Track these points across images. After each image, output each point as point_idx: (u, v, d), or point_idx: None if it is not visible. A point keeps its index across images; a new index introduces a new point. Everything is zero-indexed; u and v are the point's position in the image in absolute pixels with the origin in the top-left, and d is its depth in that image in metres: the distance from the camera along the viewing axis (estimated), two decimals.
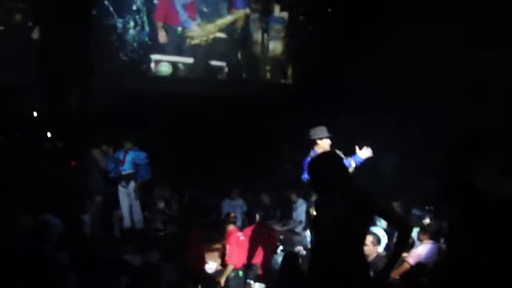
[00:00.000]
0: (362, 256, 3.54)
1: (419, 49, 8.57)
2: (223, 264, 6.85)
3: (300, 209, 8.77)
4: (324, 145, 5.77)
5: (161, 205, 8.75)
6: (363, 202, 3.35)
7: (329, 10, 10.87)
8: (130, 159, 7.96)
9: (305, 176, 5.53)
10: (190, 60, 10.49)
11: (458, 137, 3.39)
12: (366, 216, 3.42)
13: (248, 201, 9.28)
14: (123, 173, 8.02)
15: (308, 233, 7.31)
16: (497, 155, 3.17)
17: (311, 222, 3.48)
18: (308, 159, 5.71)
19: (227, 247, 6.76)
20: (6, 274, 4.25)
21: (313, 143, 5.84)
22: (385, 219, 3.52)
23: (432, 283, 4.91)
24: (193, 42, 10.46)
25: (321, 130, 5.85)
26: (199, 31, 10.48)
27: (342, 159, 3.92)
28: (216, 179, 9.71)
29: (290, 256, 5.66)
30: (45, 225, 5.55)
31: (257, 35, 11.05)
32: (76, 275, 4.46)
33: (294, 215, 8.92)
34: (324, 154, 3.93)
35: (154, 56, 10.14)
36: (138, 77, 9.97)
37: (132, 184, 8.04)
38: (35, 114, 9.19)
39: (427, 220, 6.75)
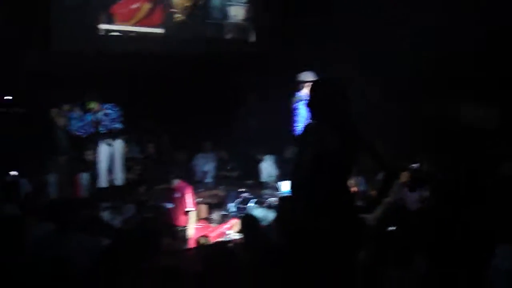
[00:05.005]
0: (350, 192, 3.47)
1: None
2: None
3: (267, 163, 8.85)
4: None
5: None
6: (357, 136, 3.28)
7: None
8: (103, 118, 7.63)
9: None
10: None
11: None
12: (357, 152, 3.34)
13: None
14: (106, 131, 7.69)
15: (280, 184, 7.32)
16: None
17: (297, 156, 3.38)
18: (298, 101, 6.14)
19: None
20: None
21: (299, 87, 6.15)
22: (374, 158, 3.42)
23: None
24: None
25: (311, 74, 6.06)
26: None
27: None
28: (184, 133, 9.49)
29: (248, 218, 5.44)
30: (14, 185, 5.26)
31: None
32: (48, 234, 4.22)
33: (263, 167, 8.90)
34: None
35: None
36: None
37: (119, 142, 7.77)
38: None
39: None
